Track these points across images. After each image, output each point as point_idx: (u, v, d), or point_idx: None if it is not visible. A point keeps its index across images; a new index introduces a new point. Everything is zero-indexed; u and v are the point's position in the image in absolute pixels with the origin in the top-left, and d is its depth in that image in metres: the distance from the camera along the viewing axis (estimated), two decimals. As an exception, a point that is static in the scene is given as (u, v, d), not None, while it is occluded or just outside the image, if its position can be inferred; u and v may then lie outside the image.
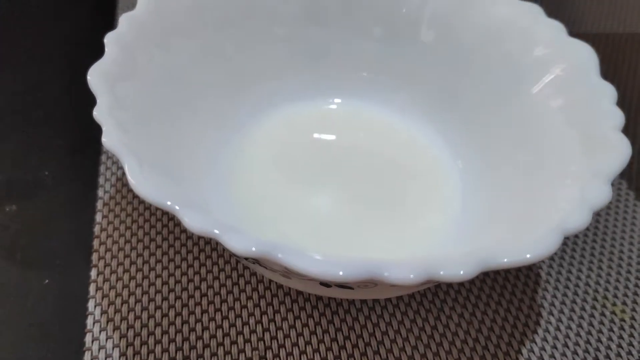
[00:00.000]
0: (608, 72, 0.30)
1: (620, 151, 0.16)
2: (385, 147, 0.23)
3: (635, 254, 0.22)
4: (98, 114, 0.15)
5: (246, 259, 0.16)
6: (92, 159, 0.23)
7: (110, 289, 0.19)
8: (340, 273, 0.13)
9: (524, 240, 0.14)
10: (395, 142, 0.23)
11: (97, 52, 0.17)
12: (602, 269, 0.21)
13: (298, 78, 0.23)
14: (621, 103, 0.18)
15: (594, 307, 0.20)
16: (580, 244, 0.22)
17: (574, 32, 0.20)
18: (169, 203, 0.13)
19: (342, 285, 0.16)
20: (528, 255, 0.14)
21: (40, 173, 0.23)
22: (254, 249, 0.13)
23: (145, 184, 0.14)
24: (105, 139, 0.15)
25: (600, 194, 0.15)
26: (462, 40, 0.22)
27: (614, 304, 0.20)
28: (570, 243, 0.22)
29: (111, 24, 0.18)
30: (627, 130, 0.17)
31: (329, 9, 0.23)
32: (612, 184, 0.16)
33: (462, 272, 0.13)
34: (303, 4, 0.22)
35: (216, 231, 0.13)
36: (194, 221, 0.13)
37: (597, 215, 0.23)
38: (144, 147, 0.16)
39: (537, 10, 0.21)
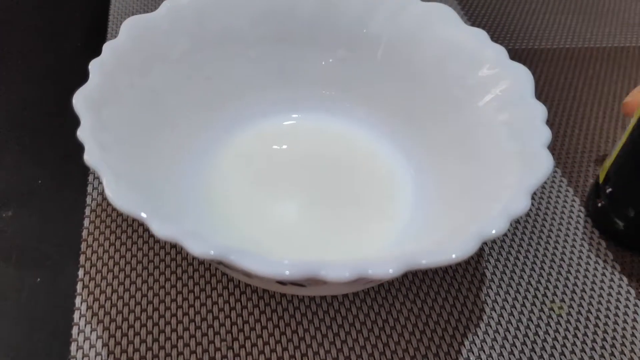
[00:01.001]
0: (544, 83, 0.33)
1: (543, 167, 0.18)
2: (345, 158, 0.25)
3: (577, 255, 0.24)
4: (81, 134, 0.17)
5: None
6: (82, 170, 0.25)
7: (95, 287, 0.21)
8: (287, 272, 0.15)
9: (446, 245, 0.16)
10: (355, 153, 0.25)
11: (86, 73, 0.20)
12: (543, 269, 0.23)
13: (266, 95, 0.26)
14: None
15: (533, 304, 0.22)
16: (525, 246, 0.24)
17: (513, 49, 0.22)
18: (139, 213, 0.16)
19: (295, 283, 0.18)
20: (451, 256, 0.16)
21: (34, 182, 0.25)
22: (212, 252, 0.15)
23: (119, 196, 0.16)
24: (86, 157, 0.17)
25: (520, 204, 0.17)
26: (416, 59, 0.24)
27: (553, 301, 0.23)
28: (516, 245, 0.24)
29: (100, 48, 0.20)
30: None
31: (295, 32, 0.25)
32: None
33: (390, 271, 0.15)
34: (271, 28, 0.25)
35: (178, 237, 0.15)
36: (159, 228, 0.15)
37: (542, 220, 0.25)
38: (123, 165, 0.18)
39: (483, 34, 0.23)
